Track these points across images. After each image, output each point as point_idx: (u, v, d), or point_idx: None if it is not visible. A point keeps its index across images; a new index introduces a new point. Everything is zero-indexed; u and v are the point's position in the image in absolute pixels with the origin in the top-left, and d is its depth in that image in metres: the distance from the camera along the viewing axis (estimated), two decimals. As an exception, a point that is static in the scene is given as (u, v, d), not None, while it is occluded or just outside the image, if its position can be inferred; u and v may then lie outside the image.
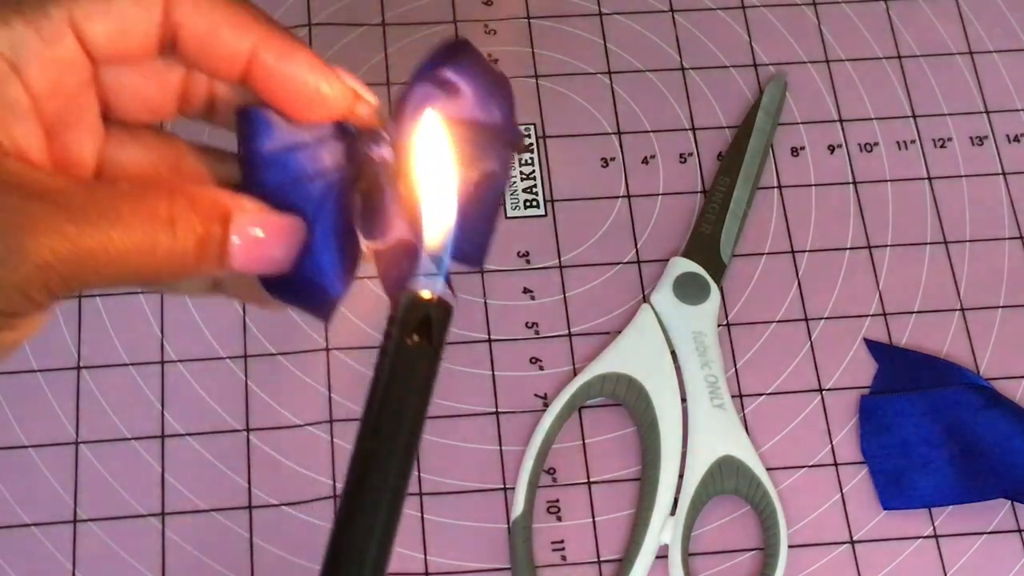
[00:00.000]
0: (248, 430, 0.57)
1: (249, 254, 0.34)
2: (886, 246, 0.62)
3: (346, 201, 0.36)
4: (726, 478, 0.56)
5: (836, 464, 0.58)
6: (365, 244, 0.36)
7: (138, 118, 0.37)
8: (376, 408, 0.32)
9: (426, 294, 0.33)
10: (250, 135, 0.36)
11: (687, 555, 0.55)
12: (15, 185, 0.32)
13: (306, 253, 0.35)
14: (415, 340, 0.32)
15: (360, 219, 0.36)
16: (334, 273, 0.36)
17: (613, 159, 0.64)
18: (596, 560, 0.55)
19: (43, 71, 0.33)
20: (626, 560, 0.55)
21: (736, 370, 0.59)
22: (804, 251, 0.62)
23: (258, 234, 0.34)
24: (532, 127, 0.64)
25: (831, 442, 0.58)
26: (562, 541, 0.56)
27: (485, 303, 0.60)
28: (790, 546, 0.55)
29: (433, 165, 0.35)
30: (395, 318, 0.33)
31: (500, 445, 0.57)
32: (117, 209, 0.32)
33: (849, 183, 0.64)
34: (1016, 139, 0.65)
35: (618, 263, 0.61)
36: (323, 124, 0.36)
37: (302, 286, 0.36)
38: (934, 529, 0.57)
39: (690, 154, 0.64)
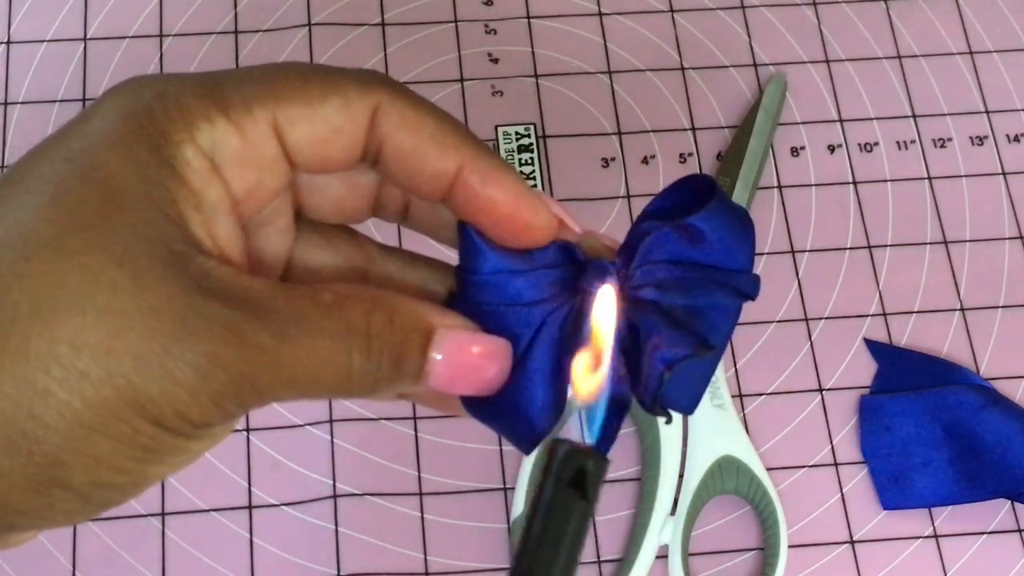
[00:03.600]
0: (248, 430, 0.57)
1: (450, 374, 0.32)
2: (886, 246, 0.62)
3: (565, 333, 0.33)
4: (726, 478, 0.56)
5: (836, 464, 0.58)
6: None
7: (330, 219, 0.36)
8: (528, 559, 0.30)
9: (582, 445, 0.31)
10: (468, 252, 0.34)
11: (687, 555, 0.55)
12: (216, 291, 0.30)
13: (515, 380, 0.33)
14: (569, 492, 0.30)
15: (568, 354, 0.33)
16: (543, 406, 0.33)
17: (613, 159, 0.64)
18: (596, 560, 0.55)
19: (243, 172, 0.32)
20: (626, 560, 0.55)
21: (736, 370, 0.59)
22: (804, 251, 0.62)
23: (463, 354, 0.32)
24: (532, 127, 0.64)
25: (831, 442, 0.58)
26: (562, 541, 0.56)
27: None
28: (790, 546, 0.55)
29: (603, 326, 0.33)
30: (550, 468, 0.30)
31: (500, 445, 0.57)
32: (316, 321, 0.31)
33: (849, 183, 0.64)
34: (1016, 139, 0.65)
35: (618, 263, 0.61)
36: (547, 248, 0.34)
37: (507, 413, 0.33)
38: (934, 529, 0.57)
39: (690, 154, 0.64)
